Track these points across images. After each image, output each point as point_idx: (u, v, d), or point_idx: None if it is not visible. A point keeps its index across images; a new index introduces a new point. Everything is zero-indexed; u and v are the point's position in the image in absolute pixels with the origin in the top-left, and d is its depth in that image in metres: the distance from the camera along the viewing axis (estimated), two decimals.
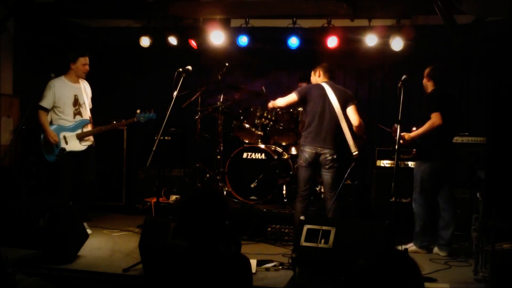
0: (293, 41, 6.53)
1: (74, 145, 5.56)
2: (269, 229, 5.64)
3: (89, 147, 5.66)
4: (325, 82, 5.25)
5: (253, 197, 6.11)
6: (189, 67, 5.02)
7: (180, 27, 6.84)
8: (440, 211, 5.25)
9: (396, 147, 4.59)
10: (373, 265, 1.99)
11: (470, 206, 5.39)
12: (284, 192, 6.07)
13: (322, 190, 5.48)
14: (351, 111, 5.16)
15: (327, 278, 4.03)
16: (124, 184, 7.07)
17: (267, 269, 4.53)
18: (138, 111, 5.67)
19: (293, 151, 6.42)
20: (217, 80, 6.51)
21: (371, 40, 6.37)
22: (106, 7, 6.64)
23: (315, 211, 5.69)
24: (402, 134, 4.89)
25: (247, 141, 6.50)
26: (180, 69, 4.98)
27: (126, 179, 7.08)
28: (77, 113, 5.60)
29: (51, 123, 5.57)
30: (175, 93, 4.94)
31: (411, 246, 5.23)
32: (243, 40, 6.61)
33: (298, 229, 4.26)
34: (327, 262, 4.00)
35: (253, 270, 4.33)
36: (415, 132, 5.20)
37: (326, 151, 5.09)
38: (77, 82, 5.64)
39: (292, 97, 5.24)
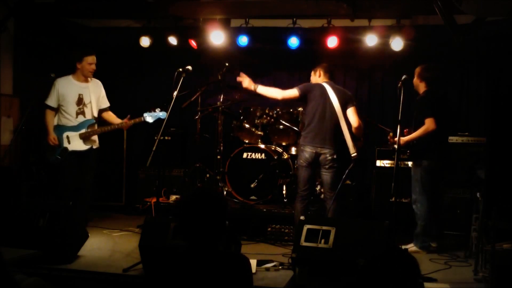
0: (293, 41, 6.53)
1: (76, 144, 5.51)
2: (269, 229, 5.64)
3: (91, 148, 5.58)
4: (326, 82, 5.26)
5: (253, 197, 6.11)
6: (189, 67, 5.02)
7: (180, 27, 6.84)
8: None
9: (396, 147, 4.59)
10: (374, 265, 2.00)
11: (470, 206, 5.39)
12: (284, 192, 6.07)
13: (322, 190, 5.49)
14: (351, 112, 5.17)
15: (327, 278, 4.03)
16: (124, 184, 7.07)
17: (267, 269, 4.53)
18: (154, 109, 5.49)
19: (293, 151, 6.41)
20: (217, 80, 6.52)
21: (371, 40, 6.37)
22: (106, 7, 6.63)
23: (315, 211, 5.70)
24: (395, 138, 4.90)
25: (247, 141, 6.50)
26: (180, 69, 4.98)
27: (126, 179, 7.09)
28: (80, 112, 5.54)
29: (57, 123, 5.54)
30: (175, 93, 4.93)
31: (411, 247, 5.24)
32: (243, 40, 6.61)
33: (298, 229, 4.26)
34: (327, 262, 4.00)
35: (253, 270, 4.33)
36: (409, 136, 5.19)
37: (326, 151, 5.09)
38: (85, 81, 5.57)
39: (293, 92, 5.20)
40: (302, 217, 4.31)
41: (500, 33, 5.95)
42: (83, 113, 5.56)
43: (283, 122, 6.21)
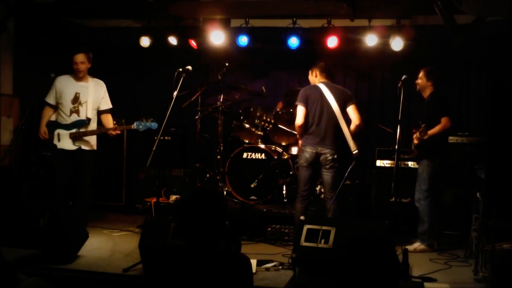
0: (293, 41, 6.53)
1: (65, 143, 5.48)
2: (269, 229, 5.64)
3: (80, 149, 5.49)
4: (322, 82, 5.25)
5: (253, 197, 6.11)
6: (189, 67, 5.01)
7: (180, 27, 6.84)
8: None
9: (396, 147, 4.59)
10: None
11: (470, 206, 5.39)
12: (284, 192, 6.07)
13: (322, 190, 5.49)
14: (351, 110, 5.17)
15: (327, 278, 4.03)
16: (124, 184, 7.07)
17: (267, 269, 4.53)
18: (146, 119, 5.49)
19: (293, 151, 6.41)
20: (217, 80, 6.52)
21: (371, 40, 6.37)
22: (106, 7, 6.64)
23: (315, 211, 5.70)
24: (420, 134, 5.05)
25: (247, 141, 6.50)
26: (180, 69, 4.98)
27: (126, 179, 7.08)
28: (74, 111, 5.51)
29: (53, 119, 5.55)
30: (175, 93, 4.93)
31: (419, 245, 5.25)
32: (243, 40, 6.61)
33: (298, 229, 4.25)
34: (327, 262, 4.00)
35: (253, 270, 4.33)
36: (431, 131, 5.18)
37: (326, 151, 5.09)
38: (83, 81, 5.57)
39: (301, 109, 5.16)
40: (302, 217, 4.31)
41: (500, 33, 5.96)
42: (77, 111, 5.52)
43: (282, 126, 6.20)
